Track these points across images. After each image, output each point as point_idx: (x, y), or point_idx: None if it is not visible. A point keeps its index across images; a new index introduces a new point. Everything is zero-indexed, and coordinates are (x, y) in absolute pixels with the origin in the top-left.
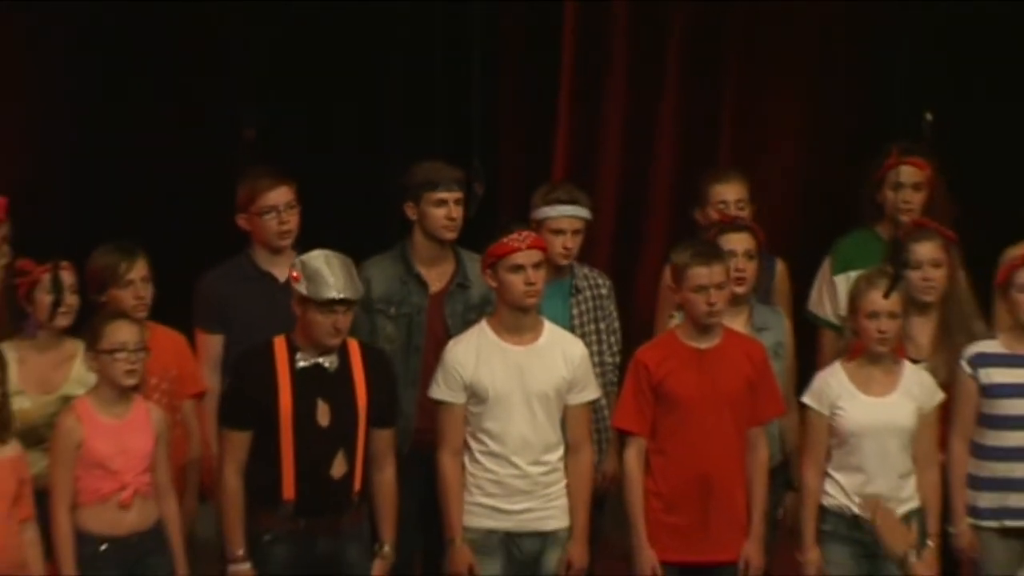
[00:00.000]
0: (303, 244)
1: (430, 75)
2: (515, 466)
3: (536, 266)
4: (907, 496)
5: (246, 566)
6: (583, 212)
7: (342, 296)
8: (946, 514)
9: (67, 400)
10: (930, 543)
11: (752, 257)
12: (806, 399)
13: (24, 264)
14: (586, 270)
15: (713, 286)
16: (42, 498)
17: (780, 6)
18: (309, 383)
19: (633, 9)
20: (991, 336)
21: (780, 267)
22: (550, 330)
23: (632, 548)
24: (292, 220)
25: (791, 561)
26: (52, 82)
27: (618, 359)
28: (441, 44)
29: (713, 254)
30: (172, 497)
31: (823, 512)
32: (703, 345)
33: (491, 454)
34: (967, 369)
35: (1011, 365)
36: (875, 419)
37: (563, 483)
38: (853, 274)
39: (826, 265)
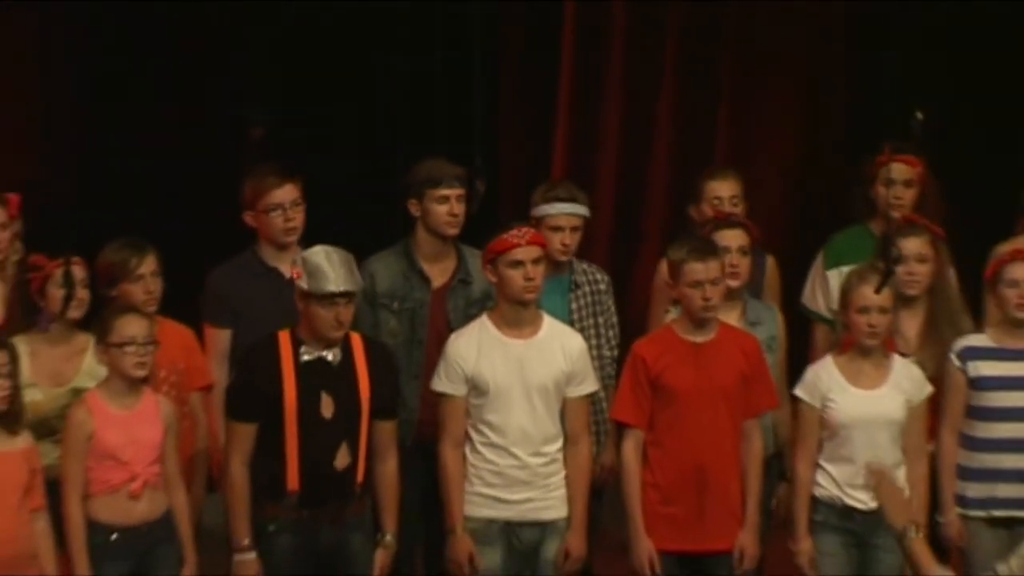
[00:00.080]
0: (307, 241)
1: (430, 75)
2: (515, 457)
3: (535, 262)
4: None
5: (251, 555)
6: (581, 210)
7: (342, 289)
8: (935, 504)
9: (78, 393)
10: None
11: (746, 253)
12: (798, 392)
13: (36, 259)
14: (585, 266)
15: (708, 281)
16: (53, 488)
17: (776, 7)
18: (313, 376)
19: (631, 9)
20: (978, 331)
21: (770, 263)
22: (549, 324)
23: (629, 538)
24: (298, 217)
25: (784, 550)
26: (55, 82)
27: (616, 353)
28: (441, 44)
29: (708, 250)
30: (181, 487)
31: (815, 502)
32: (699, 339)
33: (492, 445)
34: (956, 362)
35: (999, 358)
36: (865, 411)
37: (562, 474)
38: (845, 269)
39: (819, 260)
